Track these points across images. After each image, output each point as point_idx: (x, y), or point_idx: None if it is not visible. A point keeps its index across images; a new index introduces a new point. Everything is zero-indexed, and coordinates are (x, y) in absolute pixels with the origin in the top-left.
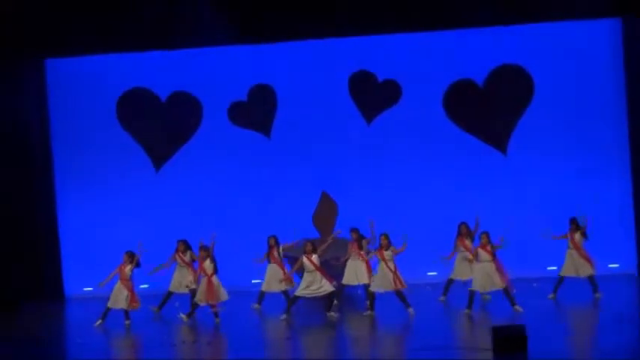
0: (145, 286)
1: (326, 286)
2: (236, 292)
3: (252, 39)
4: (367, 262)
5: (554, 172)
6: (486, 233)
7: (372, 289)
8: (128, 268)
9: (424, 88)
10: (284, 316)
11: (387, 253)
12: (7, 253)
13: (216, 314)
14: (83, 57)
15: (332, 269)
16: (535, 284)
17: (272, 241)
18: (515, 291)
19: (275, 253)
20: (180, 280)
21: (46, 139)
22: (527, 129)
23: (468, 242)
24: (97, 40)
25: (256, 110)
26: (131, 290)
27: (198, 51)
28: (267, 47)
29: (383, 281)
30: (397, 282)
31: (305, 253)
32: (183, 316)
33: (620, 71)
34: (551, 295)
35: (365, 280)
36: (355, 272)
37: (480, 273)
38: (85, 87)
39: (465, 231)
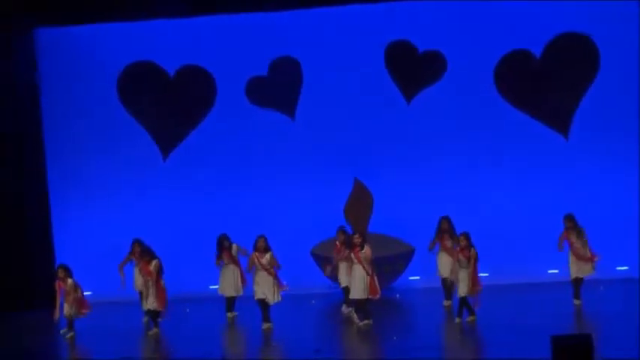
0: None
1: (259, 294)
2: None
3: (274, 4)
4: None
5: (624, 159)
6: (465, 235)
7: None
8: (68, 284)
9: (472, 60)
10: (265, 326)
11: (363, 253)
12: None
13: (157, 323)
14: (79, 26)
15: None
16: (602, 287)
17: (225, 242)
18: (477, 307)
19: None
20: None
21: (37, 125)
22: (592, 109)
23: (448, 241)
24: (94, 5)
25: (278, 87)
26: (78, 301)
27: (211, 18)
28: (291, 14)
29: (360, 286)
30: (371, 288)
31: (256, 250)
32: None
33: None
34: (576, 302)
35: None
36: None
37: (459, 277)
38: (82, 61)
39: (445, 227)
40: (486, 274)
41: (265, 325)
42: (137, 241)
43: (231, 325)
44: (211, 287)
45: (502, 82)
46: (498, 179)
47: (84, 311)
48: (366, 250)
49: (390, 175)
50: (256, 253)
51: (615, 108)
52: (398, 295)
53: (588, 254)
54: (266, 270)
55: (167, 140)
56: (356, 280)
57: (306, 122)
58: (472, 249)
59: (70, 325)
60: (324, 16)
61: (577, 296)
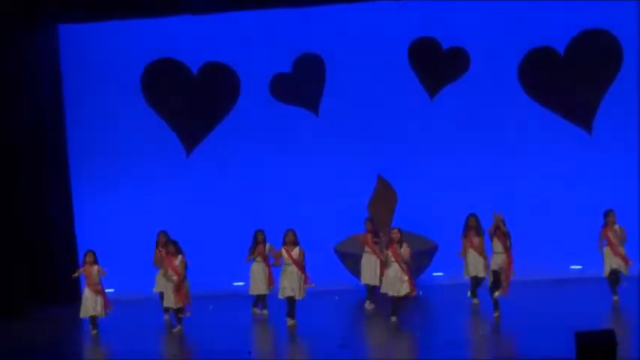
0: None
1: (288, 290)
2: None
3: (298, 0)
4: (382, 260)
5: None
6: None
7: (383, 290)
8: (94, 270)
9: (496, 57)
10: (290, 322)
11: (403, 251)
12: (15, 251)
13: (179, 320)
14: (102, 22)
15: None
16: (625, 284)
17: (260, 237)
18: (505, 296)
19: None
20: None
21: (60, 121)
22: (616, 104)
23: (475, 239)
24: (118, 2)
25: (302, 83)
26: (101, 294)
27: (234, 15)
28: (315, 10)
29: (393, 283)
30: (410, 285)
31: (285, 244)
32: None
33: None
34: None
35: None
36: (375, 270)
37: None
38: (104, 58)
39: (473, 224)
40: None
41: (290, 322)
42: (162, 232)
43: (256, 323)
44: (235, 284)
45: (526, 79)
46: (521, 175)
47: (107, 310)
48: (405, 248)
49: (413, 171)
50: (285, 247)
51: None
52: (421, 292)
53: (623, 253)
54: (295, 264)
55: (190, 137)
56: (391, 277)
57: (330, 119)
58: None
59: (94, 323)
60: (348, 13)
61: (614, 292)
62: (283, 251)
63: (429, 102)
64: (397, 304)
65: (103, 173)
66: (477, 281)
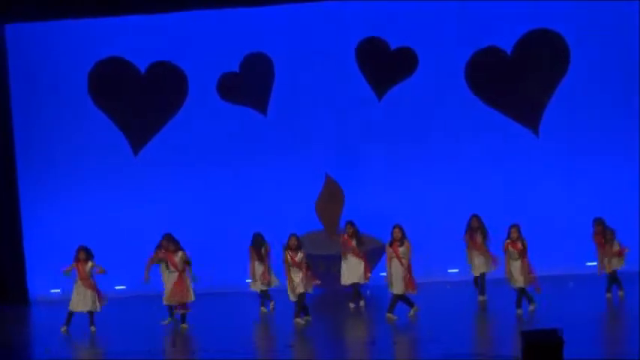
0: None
1: (297, 289)
2: (228, 293)
3: (246, 0)
4: (365, 260)
5: (593, 158)
6: (516, 227)
7: (393, 291)
8: (88, 266)
9: (443, 57)
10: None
11: (402, 250)
12: None
13: (183, 317)
14: (49, 22)
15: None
16: (571, 283)
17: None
18: (540, 291)
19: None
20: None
21: (6, 122)
22: (563, 105)
23: (479, 238)
24: (65, 1)
25: (250, 83)
26: (94, 289)
27: (182, 14)
28: (262, 10)
29: (395, 280)
30: (410, 283)
31: (288, 249)
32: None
33: None
34: (608, 295)
35: (362, 279)
36: (359, 270)
37: (512, 269)
38: (51, 58)
39: (475, 225)
40: (456, 270)
41: (306, 319)
42: (167, 236)
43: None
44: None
45: (473, 79)
46: (467, 177)
47: (102, 304)
48: (406, 245)
49: (361, 170)
50: (289, 252)
51: (587, 104)
52: (369, 292)
53: (616, 250)
54: (298, 267)
55: (138, 136)
56: (394, 275)
57: (278, 118)
58: (524, 240)
59: (91, 319)
60: (296, 13)
61: (609, 290)
62: (287, 256)
63: (377, 102)
64: (395, 301)
65: (49, 175)
66: (484, 279)
